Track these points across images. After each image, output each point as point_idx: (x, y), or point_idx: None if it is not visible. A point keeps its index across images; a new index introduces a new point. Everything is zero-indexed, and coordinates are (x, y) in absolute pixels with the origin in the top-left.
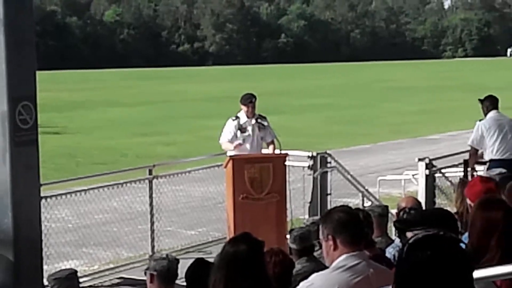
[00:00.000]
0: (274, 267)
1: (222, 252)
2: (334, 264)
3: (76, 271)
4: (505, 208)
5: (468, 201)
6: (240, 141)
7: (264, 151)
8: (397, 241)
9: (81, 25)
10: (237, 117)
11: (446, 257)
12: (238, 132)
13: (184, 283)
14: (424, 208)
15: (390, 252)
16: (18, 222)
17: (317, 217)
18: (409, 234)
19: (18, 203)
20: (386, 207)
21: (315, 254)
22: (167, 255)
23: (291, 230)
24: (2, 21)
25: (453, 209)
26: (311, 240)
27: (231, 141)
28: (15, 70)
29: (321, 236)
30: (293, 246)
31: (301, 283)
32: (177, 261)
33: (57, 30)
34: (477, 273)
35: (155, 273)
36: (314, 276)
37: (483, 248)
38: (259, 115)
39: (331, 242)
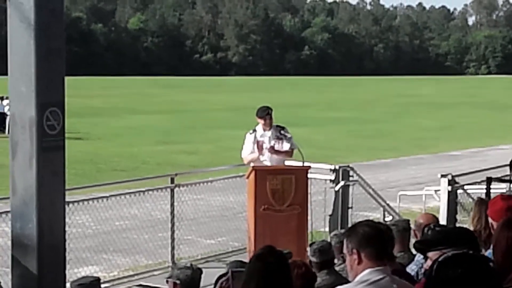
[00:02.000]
0: (296, 279)
1: (250, 266)
2: (357, 278)
3: (99, 279)
4: None
5: (490, 220)
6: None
7: (287, 163)
8: (419, 257)
9: (106, 32)
10: (254, 131)
11: (476, 276)
12: (255, 146)
13: None
14: (445, 224)
15: (413, 269)
16: (42, 228)
17: (341, 230)
18: (430, 254)
19: (43, 209)
20: (408, 221)
21: (337, 268)
22: (191, 264)
23: (312, 243)
24: (33, 27)
25: (470, 226)
26: (331, 253)
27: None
28: (44, 76)
29: (345, 250)
30: (313, 259)
31: None
32: (200, 271)
33: (82, 37)
34: None
35: (178, 281)
36: None
37: (507, 267)
38: (277, 126)
39: (355, 256)
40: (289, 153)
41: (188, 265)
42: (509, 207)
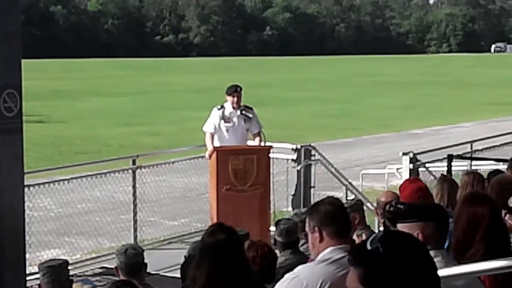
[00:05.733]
0: (262, 260)
1: (201, 244)
2: (319, 256)
3: (67, 261)
4: (491, 203)
5: None
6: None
7: (250, 142)
8: None
9: (65, 14)
10: (222, 107)
11: (403, 255)
12: (222, 121)
13: (157, 272)
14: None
15: None
16: (1, 211)
17: (302, 210)
18: (399, 226)
19: (2, 192)
20: (360, 200)
21: (301, 248)
22: (126, 248)
23: (278, 221)
24: None
25: None
26: (296, 234)
27: (213, 133)
28: (0, 59)
29: (307, 228)
30: (279, 239)
31: (286, 275)
32: (138, 252)
33: (42, 19)
34: (463, 269)
35: (117, 266)
36: (299, 268)
37: (467, 243)
38: (245, 106)
39: (317, 234)
40: (258, 136)
41: (123, 250)
42: (418, 188)
